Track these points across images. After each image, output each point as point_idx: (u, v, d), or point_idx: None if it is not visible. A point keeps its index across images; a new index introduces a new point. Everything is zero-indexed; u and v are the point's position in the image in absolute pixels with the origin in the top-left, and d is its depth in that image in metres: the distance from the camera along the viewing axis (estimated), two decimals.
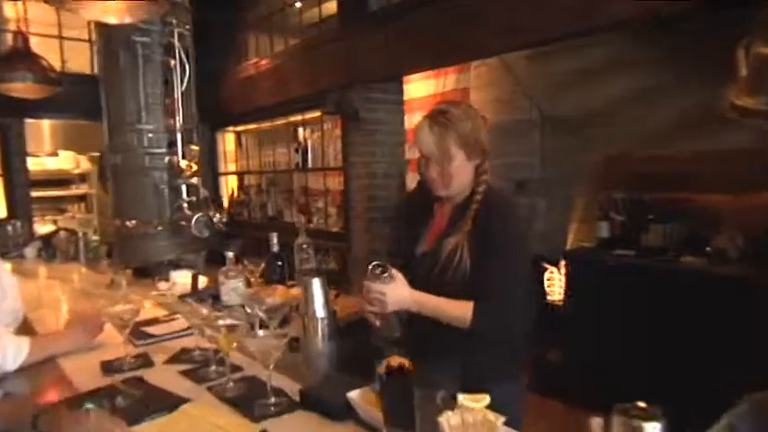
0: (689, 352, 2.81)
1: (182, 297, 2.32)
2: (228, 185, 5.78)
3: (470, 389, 1.12)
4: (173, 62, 2.54)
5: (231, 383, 1.38)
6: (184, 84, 2.60)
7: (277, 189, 5.17)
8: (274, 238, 2.25)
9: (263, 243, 4.98)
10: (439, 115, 1.48)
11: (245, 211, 5.39)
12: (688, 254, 3.06)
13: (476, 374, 1.35)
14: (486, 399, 1.07)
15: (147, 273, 2.62)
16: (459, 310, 1.40)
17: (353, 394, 1.19)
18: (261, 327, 1.65)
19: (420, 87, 4.72)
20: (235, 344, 1.35)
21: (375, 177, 4.00)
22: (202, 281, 2.54)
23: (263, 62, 4.87)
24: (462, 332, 1.41)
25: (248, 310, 1.67)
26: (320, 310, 1.37)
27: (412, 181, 4.74)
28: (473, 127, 1.48)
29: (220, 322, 1.40)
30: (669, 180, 3.35)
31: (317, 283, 1.38)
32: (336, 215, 4.46)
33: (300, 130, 4.88)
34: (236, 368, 1.46)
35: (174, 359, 1.62)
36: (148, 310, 2.12)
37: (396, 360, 1.03)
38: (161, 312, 2.12)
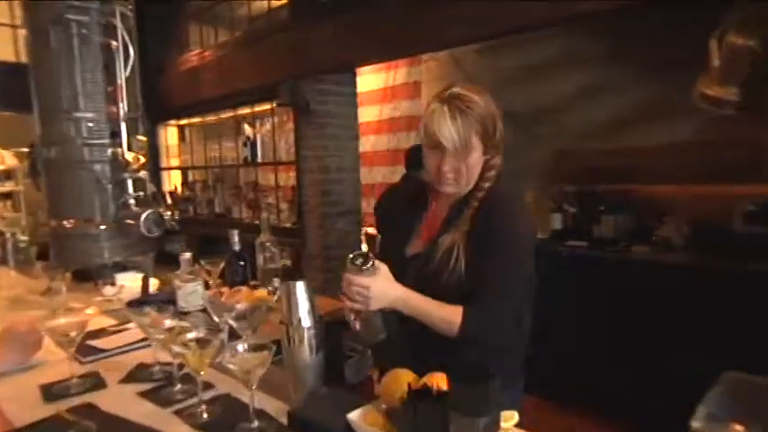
0: (641, 338, 2.80)
1: (132, 303, 2.03)
2: (171, 181, 5.35)
3: None
4: (114, 44, 2.21)
5: (203, 405, 1.15)
6: (128, 69, 2.28)
7: (224, 185, 4.82)
8: (235, 236, 1.99)
9: (210, 241, 4.67)
10: (457, 100, 1.22)
11: (191, 207, 5.01)
12: (637, 243, 3.06)
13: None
14: (515, 417, 0.90)
15: (89, 277, 2.28)
16: (449, 315, 1.19)
17: (354, 415, 0.99)
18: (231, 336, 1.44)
19: (370, 81, 4.54)
20: (208, 361, 1.11)
21: (328, 172, 3.78)
22: (153, 284, 2.25)
23: (208, 53, 4.51)
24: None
25: (215, 318, 1.44)
26: (306, 319, 1.15)
27: (366, 176, 4.56)
28: (493, 115, 1.25)
29: (189, 336, 1.16)
30: (618, 173, 3.35)
31: (300, 288, 1.16)
32: (289, 210, 4.19)
33: (246, 126, 4.56)
34: (206, 385, 1.22)
35: (130, 378, 1.35)
36: (94, 319, 1.82)
37: (429, 378, 0.85)
38: (109, 321, 1.82)
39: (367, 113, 4.45)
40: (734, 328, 2.51)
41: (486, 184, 1.28)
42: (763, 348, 2.06)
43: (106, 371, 1.39)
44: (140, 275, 2.33)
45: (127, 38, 2.24)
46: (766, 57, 1.66)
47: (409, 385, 0.85)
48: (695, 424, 1.61)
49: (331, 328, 1.25)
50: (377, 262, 1.18)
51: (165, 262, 2.60)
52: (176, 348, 1.11)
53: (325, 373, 1.19)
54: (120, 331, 1.69)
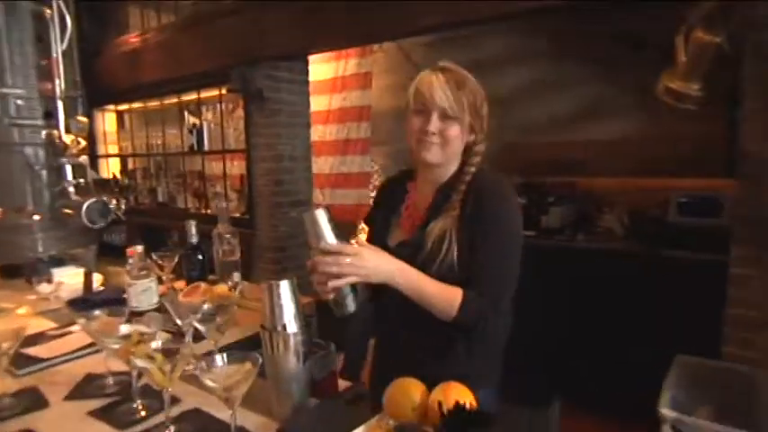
0: (588, 323, 2.81)
1: (73, 302, 1.75)
2: (109, 169, 4.86)
3: None
4: (48, 12, 1.88)
5: (171, 426, 0.94)
6: (65, 41, 1.94)
7: (168, 173, 4.43)
8: (193, 228, 1.75)
9: (152, 231, 4.28)
10: (449, 71, 1.17)
11: (131, 196, 4.57)
12: (582, 233, 3.08)
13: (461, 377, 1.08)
14: None
15: (21, 273, 1.96)
16: (449, 295, 1.08)
17: None
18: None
19: (320, 70, 4.30)
20: (177, 374, 0.91)
21: (281, 160, 3.53)
22: (97, 279, 1.96)
23: (150, 35, 4.09)
24: (442, 328, 1.10)
25: (178, 321, 1.22)
26: (292, 323, 0.97)
27: (322, 165, 4.35)
28: (482, 96, 1.19)
29: (153, 345, 0.95)
30: (562, 166, 3.35)
31: (285, 288, 0.97)
32: (237, 200, 3.90)
33: (187, 113, 4.20)
34: (171, 399, 1.01)
35: (77, 393, 1.11)
36: (29, 321, 1.53)
37: (445, 390, 0.69)
38: (47, 324, 1.54)
39: (316, 103, 4.22)
40: (672, 312, 2.56)
41: (472, 169, 1.19)
42: (698, 329, 2.09)
43: (47, 385, 1.14)
44: (81, 270, 2.03)
45: (63, 5, 1.91)
46: (729, 53, 1.63)
47: (440, 403, 0.69)
48: (664, 411, 1.57)
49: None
50: (361, 238, 1.05)
51: (103, 254, 2.30)
52: (139, 362, 0.90)
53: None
54: (61, 336, 1.42)
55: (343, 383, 1.15)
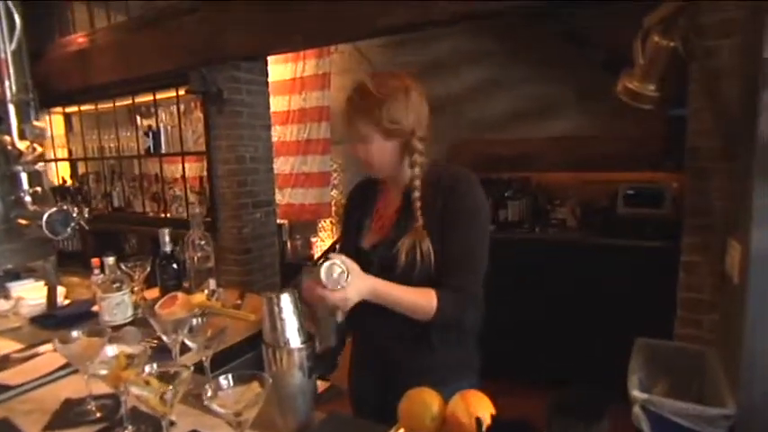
0: (549, 311, 2.87)
1: (37, 319, 1.59)
2: (58, 174, 4.50)
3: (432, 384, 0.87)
4: None
5: None
6: (14, 41, 1.76)
7: (123, 176, 4.15)
8: (166, 236, 1.63)
9: (106, 237, 4.01)
10: (353, 92, 1.17)
11: (91, 202, 4.26)
12: (538, 225, 3.14)
13: (439, 370, 1.13)
14: None
15: None
16: (422, 299, 1.09)
17: None
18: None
19: (279, 71, 4.17)
20: (178, 400, 0.82)
21: (244, 162, 3.38)
22: (60, 293, 1.79)
23: (100, 34, 3.80)
24: (422, 325, 1.11)
25: (165, 338, 1.12)
26: (295, 338, 0.90)
27: (283, 165, 4.22)
28: (389, 104, 1.12)
29: (147, 369, 0.85)
30: (515, 161, 3.40)
31: (286, 301, 0.90)
32: (198, 202, 3.71)
33: (138, 117, 3.96)
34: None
35: (57, 422, 0.99)
36: None
37: (462, 398, 0.65)
38: (11, 345, 1.38)
39: (276, 103, 4.09)
40: (625, 295, 2.66)
41: (417, 170, 1.16)
42: (648, 310, 2.18)
43: (21, 416, 1.01)
44: (40, 284, 1.86)
45: (10, 2, 1.72)
46: (683, 57, 1.68)
47: (478, 419, 0.65)
48: (635, 392, 1.61)
49: None
50: (348, 262, 1.01)
51: (60, 264, 2.12)
52: (135, 390, 0.80)
53: None
54: (29, 357, 1.27)
55: (321, 384, 1.13)
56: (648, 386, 1.77)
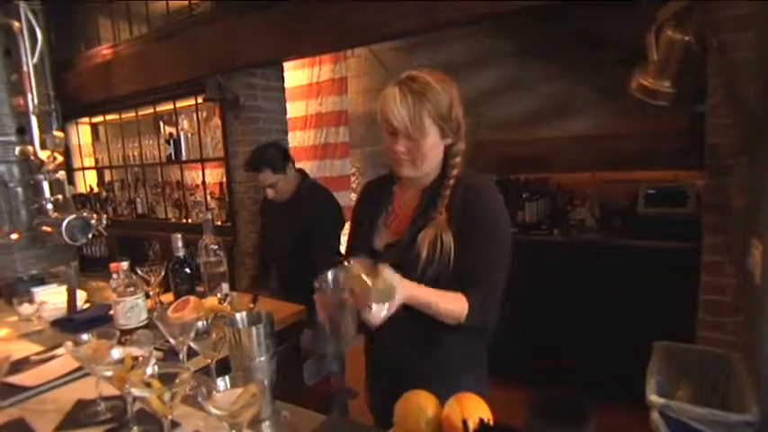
0: (567, 313, 2.82)
1: (58, 322, 1.64)
2: (86, 182, 4.66)
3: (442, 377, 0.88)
4: (16, 25, 1.75)
5: None
6: (36, 54, 1.82)
7: (146, 184, 4.26)
8: (179, 241, 1.66)
9: (131, 243, 4.12)
10: (412, 82, 1.10)
11: (110, 208, 4.39)
12: (557, 226, 3.08)
13: (450, 364, 1.16)
14: None
15: (0, 294, 1.83)
16: (456, 304, 1.09)
17: None
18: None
19: (295, 77, 4.21)
20: (178, 401, 0.84)
21: None
22: (81, 297, 1.84)
23: (123, 47, 3.92)
24: (433, 320, 1.10)
25: (171, 341, 1.14)
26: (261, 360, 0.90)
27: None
28: (451, 99, 1.12)
29: (149, 371, 0.87)
30: (534, 162, 3.35)
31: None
32: (218, 208, 3.78)
33: (162, 123, 4.06)
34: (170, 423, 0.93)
35: (68, 422, 1.02)
36: (11, 345, 1.43)
37: (458, 402, 0.65)
38: (31, 348, 1.43)
39: (293, 109, 4.13)
40: (647, 299, 2.58)
41: (454, 171, 1.16)
42: (670, 314, 2.11)
43: (35, 416, 1.04)
44: (63, 288, 1.91)
45: (32, 17, 1.79)
46: (697, 51, 1.63)
47: (465, 422, 0.64)
48: (653, 397, 1.57)
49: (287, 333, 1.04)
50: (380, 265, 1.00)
51: (84, 268, 2.18)
52: (135, 391, 0.82)
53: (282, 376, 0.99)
54: (47, 360, 1.31)
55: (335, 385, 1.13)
56: (670, 391, 1.72)
